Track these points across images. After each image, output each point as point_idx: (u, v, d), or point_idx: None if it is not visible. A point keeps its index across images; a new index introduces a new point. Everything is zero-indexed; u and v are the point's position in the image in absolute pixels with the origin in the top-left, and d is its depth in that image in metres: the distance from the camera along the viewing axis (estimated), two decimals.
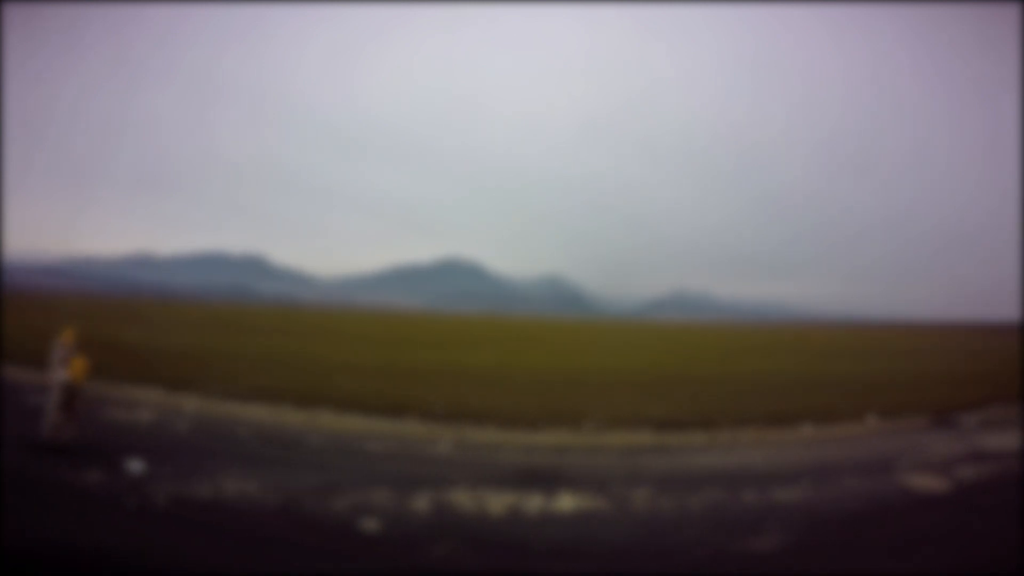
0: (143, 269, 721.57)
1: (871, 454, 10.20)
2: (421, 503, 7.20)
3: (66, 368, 9.78)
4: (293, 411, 12.87)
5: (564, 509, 7.12)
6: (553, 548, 5.73)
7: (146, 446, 9.46)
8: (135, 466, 8.34)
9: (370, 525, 6.36)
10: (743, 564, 5.06)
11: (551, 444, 10.92)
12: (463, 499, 7.38)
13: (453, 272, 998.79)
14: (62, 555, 4.82)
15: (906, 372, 23.81)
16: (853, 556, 5.50)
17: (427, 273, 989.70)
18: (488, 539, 6.06)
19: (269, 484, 7.88)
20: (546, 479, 8.47)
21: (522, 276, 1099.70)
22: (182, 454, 9.38)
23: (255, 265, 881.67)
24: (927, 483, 8.03)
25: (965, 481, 8.18)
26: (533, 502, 7.31)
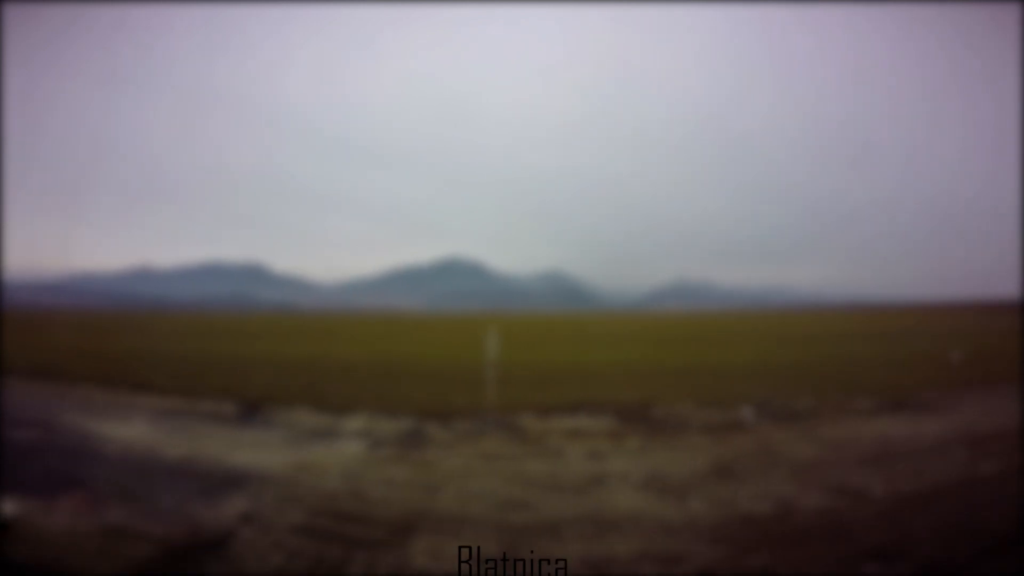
0: (143, 282, 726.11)
1: None
2: None
3: None
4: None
5: None
6: None
7: None
8: None
9: None
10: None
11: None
12: None
13: (454, 272, 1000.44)
14: None
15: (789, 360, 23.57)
16: None
17: (428, 274, 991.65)
18: None
19: None
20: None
21: (523, 273, 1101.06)
22: None
23: (255, 274, 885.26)
24: None
25: None
26: None
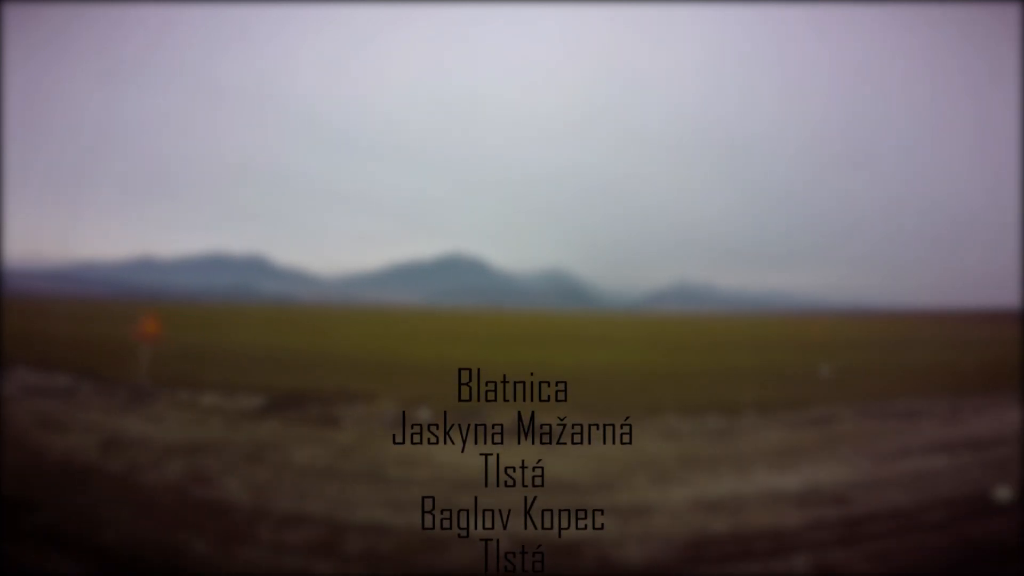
0: (145, 272, 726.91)
1: None
2: None
3: None
4: None
5: None
6: None
7: None
8: None
9: None
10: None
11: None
12: None
13: (455, 268, 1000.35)
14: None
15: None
16: None
17: (429, 269, 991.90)
18: None
19: None
20: None
21: (525, 270, 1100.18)
22: None
23: (257, 265, 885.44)
24: None
25: None
26: None
